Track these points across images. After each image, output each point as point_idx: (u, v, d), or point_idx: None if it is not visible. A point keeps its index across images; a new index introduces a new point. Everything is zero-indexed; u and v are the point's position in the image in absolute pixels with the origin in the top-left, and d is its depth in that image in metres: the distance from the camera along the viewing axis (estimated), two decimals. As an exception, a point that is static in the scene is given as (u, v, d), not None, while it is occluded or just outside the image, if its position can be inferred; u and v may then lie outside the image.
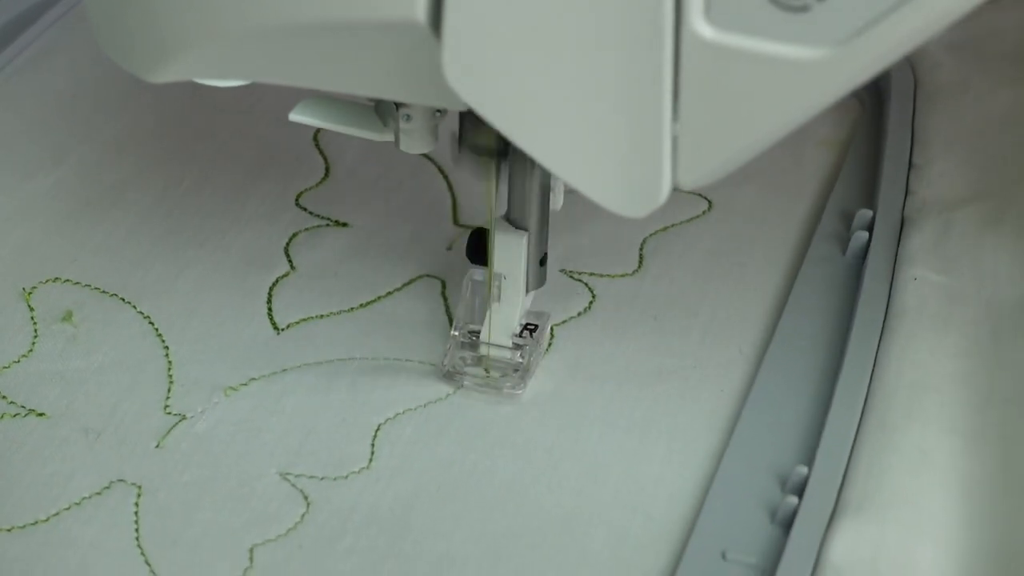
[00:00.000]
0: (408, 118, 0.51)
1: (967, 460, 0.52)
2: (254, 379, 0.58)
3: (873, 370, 0.56)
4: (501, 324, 0.57)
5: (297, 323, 0.60)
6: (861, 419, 0.54)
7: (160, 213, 0.65)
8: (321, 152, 0.70)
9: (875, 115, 0.71)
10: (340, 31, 0.44)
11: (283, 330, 0.60)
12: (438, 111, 0.51)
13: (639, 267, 0.64)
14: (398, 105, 0.51)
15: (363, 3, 0.43)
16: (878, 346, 0.57)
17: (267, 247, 0.64)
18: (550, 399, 0.57)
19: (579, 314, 0.61)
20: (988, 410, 0.54)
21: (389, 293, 0.62)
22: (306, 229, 0.65)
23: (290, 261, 0.63)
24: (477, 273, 0.58)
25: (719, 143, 0.42)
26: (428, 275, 0.63)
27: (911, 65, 0.72)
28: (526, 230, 0.55)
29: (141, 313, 0.60)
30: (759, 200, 0.67)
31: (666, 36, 0.41)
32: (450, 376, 0.58)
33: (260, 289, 0.62)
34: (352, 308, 0.61)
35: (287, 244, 0.64)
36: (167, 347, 0.59)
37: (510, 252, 0.55)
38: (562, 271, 0.62)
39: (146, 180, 0.67)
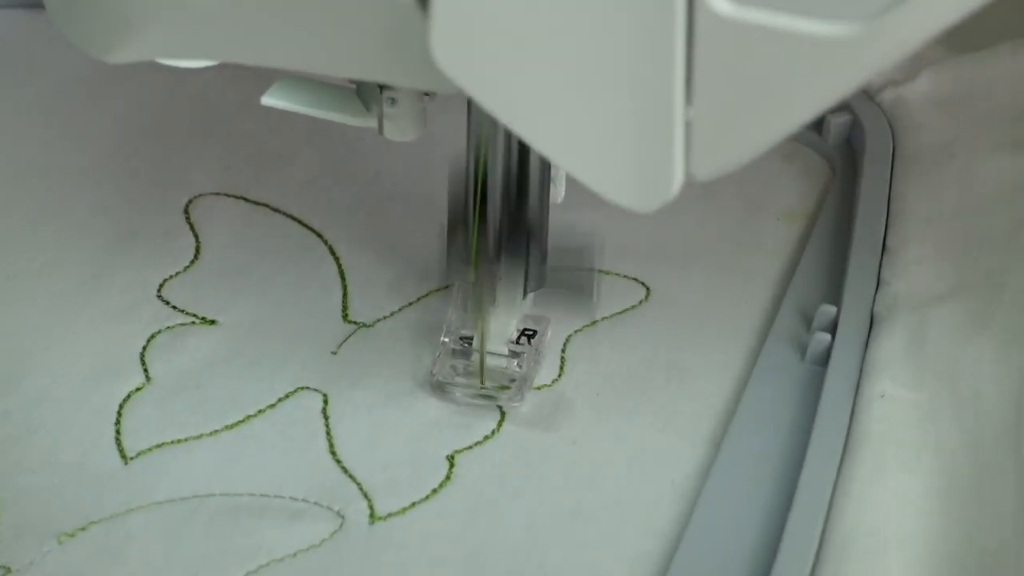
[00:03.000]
0: (393, 102, 0.51)
1: None
2: (94, 523, 0.55)
3: (828, 513, 0.53)
4: (496, 330, 0.57)
5: (149, 450, 0.58)
6: (811, 576, 0.52)
7: (0, 306, 0.63)
8: (192, 228, 0.67)
9: (847, 183, 0.68)
10: (317, 3, 0.44)
11: (132, 459, 0.57)
12: (426, 94, 0.52)
13: (560, 374, 0.61)
14: (382, 87, 0.51)
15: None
16: (835, 482, 0.54)
17: (120, 352, 0.61)
18: (448, 545, 0.55)
19: (484, 439, 0.59)
20: (962, 570, 0.51)
21: (260, 411, 0.59)
22: (167, 328, 0.63)
23: (146, 370, 0.61)
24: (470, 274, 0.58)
25: (737, 130, 0.42)
26: (308, 388, 0.60)
27: (890, 124, 0.69)
28: (525, 228, 0.55)
29: (-34, 440, 0.58)
30: (707, 287, 0.65)
31: (678, 11, 0.40)
32: (440, 388, 0.58)
33: (108, 407, 0.59)
34: (215, 431, 0.58)
35: (144, 348, 0.62)
36: (-7, 483, 0.56)
37: (507, 250, 0.55)
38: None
39: (-9, 262, 0.66)
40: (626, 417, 0.59)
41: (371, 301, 0.64)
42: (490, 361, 0.58)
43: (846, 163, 0.69)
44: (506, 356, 0.58)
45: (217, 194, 0.69)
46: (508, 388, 0.58)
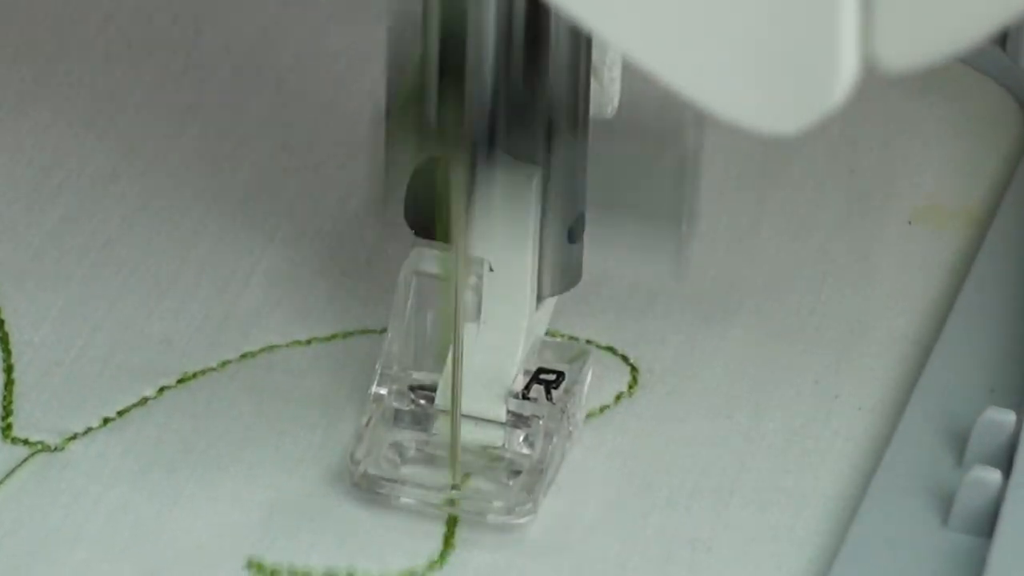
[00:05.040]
0: None
1: None
2: None
3: None
4: (484, 372, 0.56)
5: None
6: None
7: None
8: None
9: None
10: None
11: None
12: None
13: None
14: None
15: None
16: None
17: None
18: None
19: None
20: None
21: None
22: None
23: None
24: (427, 259, 0.56)
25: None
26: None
27: None
28: (538, 164, 0.54)
29: None
30: (756, 363, 0.60)
31: None
32: (370, 484, 0.54)
33: None
34: None
35: None
36: None
37: (505, 209, 0.55)
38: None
39: None
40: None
41: (61, 399, 0.60)
42: (469, 435, 0.54)
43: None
44: (502, 424, 0.55)
45: None
46: (506, 488, 0.55)
